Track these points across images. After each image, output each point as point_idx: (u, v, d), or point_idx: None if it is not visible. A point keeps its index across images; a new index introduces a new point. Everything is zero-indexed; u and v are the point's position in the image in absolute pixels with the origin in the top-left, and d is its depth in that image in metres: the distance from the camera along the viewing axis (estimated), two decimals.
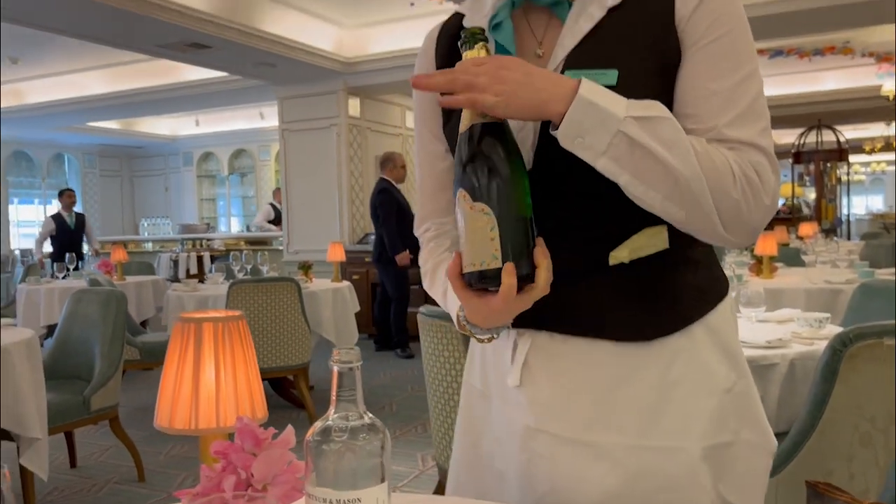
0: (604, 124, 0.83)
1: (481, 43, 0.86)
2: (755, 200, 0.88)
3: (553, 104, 0.83)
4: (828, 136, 11.60)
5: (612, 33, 0.92)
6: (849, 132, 13.06)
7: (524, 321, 0.96)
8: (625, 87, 0.88)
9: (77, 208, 14.26)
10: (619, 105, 0.84)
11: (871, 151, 14.54)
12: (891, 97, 8.44)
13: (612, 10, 0.92)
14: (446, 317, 2.37)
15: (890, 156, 16.85)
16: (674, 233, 0.95)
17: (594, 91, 0.84)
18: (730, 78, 0.90)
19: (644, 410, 0.95)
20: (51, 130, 11.93)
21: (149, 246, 10.74)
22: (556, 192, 0.94)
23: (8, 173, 12.88)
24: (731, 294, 1.06)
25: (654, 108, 0.86)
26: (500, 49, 0.96)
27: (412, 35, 7.55)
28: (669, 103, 0.91)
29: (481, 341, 0.95)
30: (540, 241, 0.86)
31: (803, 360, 2.18)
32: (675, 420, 0.95)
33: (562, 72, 0.92)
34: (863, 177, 21.80)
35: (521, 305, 0.87)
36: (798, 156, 11.94)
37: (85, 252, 9.40)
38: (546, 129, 0.90)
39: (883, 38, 8.36)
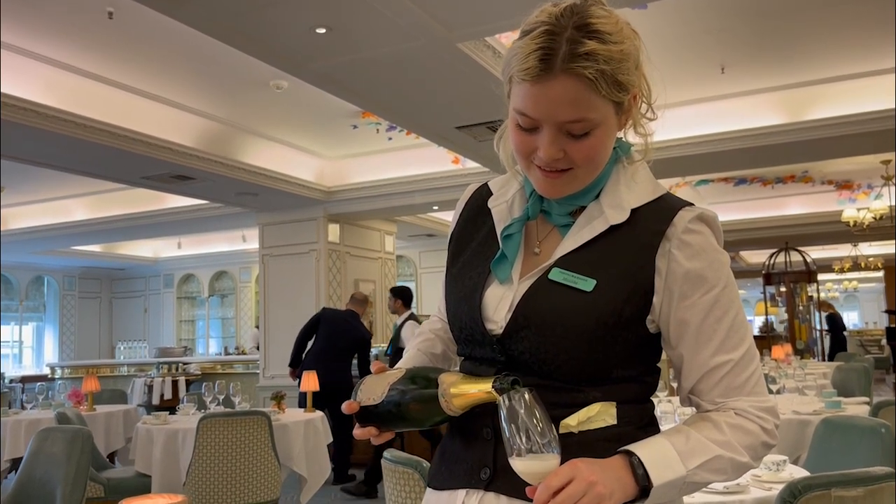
0: (674, 486, 0.95)
1: (505, 397, 0.93)
2: (775, 435, 1.03)
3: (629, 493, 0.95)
4: (796, 258, 11.91)
5: (603, 248, 1.04)
6: (817, 252, 13.42)
7: (476, 480, 1.04)
8: (596, 295, 1.00)
9: (52, 330, 14.11)
10: (678, 464, 0.95)
11: (841, 271, 14.90)
12: (851, 224, 8.76)
13: (612, 228, 1.04)
14: (413, 464, 2.38)
15: (860, 274, 17.25)
16: (623, 412, 1.03)
17: (658, 473, 0.94)
18: (734, 353, 1.02)
19: None
20: (32, 254, 12.01)
21: (124, 370, 10.59)
22: (516, 364, 1.04)
23: None
24: None
25: (703, 448, 0.97)
26: (502, 256, 1.09)
27: (390, 165, 7.85)
28: (633, 315, 1.02)
29: None
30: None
31: None
32: None
33: (551, 267, 1.04)
34: (836, 294, 22.18)
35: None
36: (768, 277, 12.21)
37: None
38: (512, 323, 1.03)
39: (839, 168, 8.79)
